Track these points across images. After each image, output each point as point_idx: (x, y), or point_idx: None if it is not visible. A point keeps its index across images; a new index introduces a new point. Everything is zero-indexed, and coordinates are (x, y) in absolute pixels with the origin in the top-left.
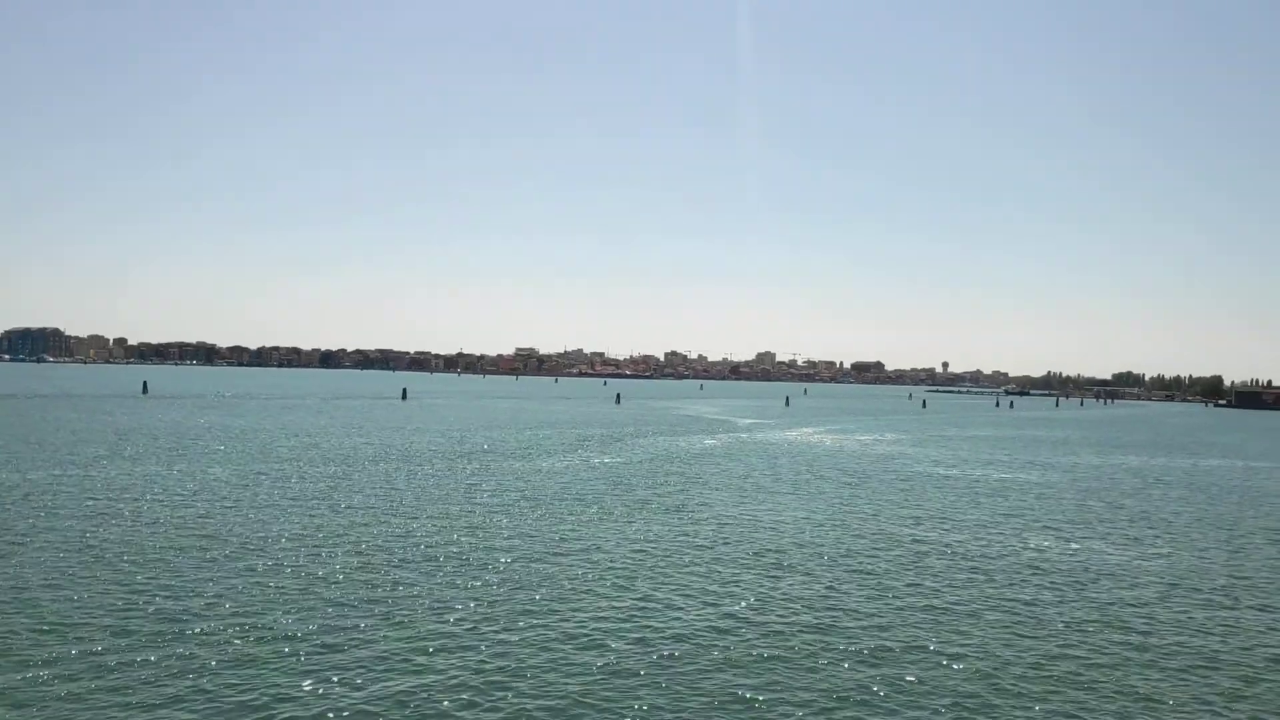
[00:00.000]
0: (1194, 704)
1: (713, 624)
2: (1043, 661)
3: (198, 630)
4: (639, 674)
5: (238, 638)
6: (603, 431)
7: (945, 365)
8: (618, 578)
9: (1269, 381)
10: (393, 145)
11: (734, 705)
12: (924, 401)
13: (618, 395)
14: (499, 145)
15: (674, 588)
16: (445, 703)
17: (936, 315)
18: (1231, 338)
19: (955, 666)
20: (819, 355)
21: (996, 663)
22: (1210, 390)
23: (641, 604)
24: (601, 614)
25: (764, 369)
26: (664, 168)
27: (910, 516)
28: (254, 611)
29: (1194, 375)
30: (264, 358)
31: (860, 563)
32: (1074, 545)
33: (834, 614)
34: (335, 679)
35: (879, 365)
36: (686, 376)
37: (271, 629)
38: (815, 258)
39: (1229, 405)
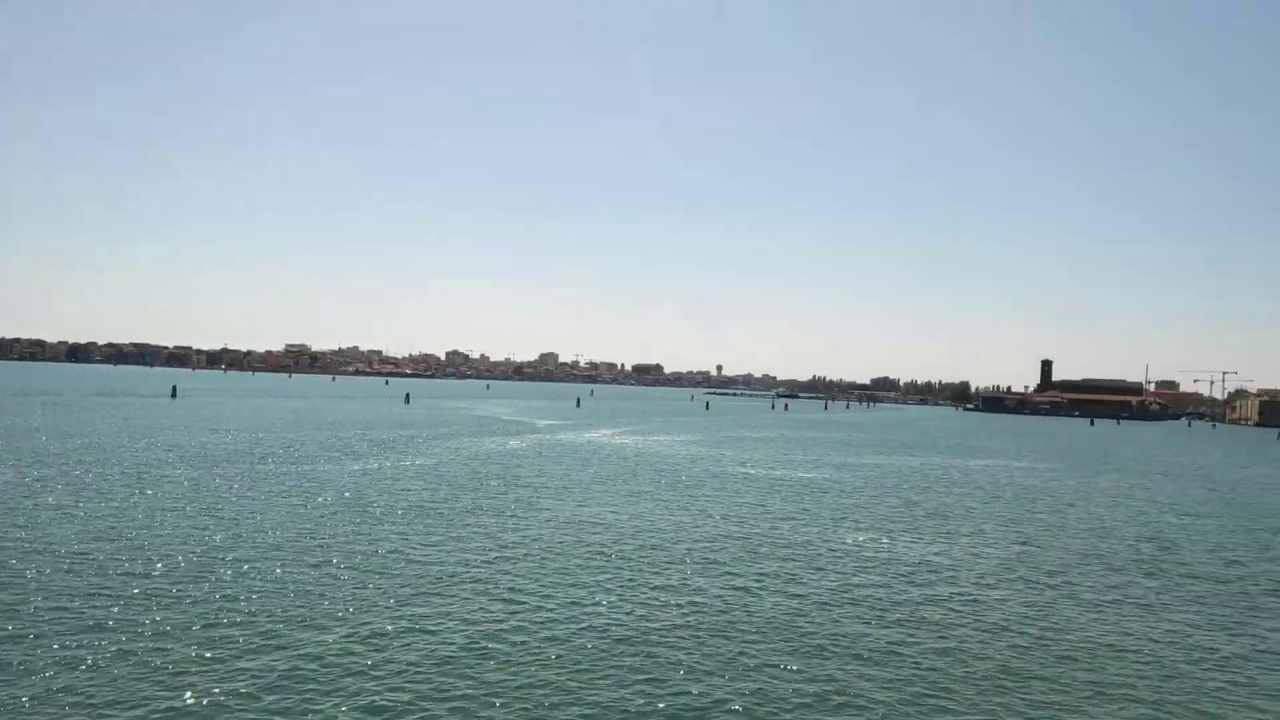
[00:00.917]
0: (1036, 680)
1: (577, 621)
2: (889, 645)
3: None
4: (507, 676)
5: (45, 656)
6: (405, 433)
7: (720, 368)
8: (476, 580)
9: (1009, 387)
10: (137, 126)
11: (602, 698)
12: (707, 403)
13: (407, 395)
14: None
15: (533, 590)
16: (279, 711)
17: (712, 319)
18: (976, 347)
19: (809, 650)
20: (600, 357)
21: (849, 646)
22: (959, 395)
23: (504, 606)
24: (467, 617)
25: (547, 369)
26: (451, 168)
27: (735, 514)
28: (53, 624)
29: (943, 381)
30: (2, 350)
31: (704, 557)
32: (885, 540)
33: (690, 607)
34: (157, 688)
35: (658, 367)
36: (469, 376)
37: (77, 642)
38: (597, 258)
39: (976, 409)
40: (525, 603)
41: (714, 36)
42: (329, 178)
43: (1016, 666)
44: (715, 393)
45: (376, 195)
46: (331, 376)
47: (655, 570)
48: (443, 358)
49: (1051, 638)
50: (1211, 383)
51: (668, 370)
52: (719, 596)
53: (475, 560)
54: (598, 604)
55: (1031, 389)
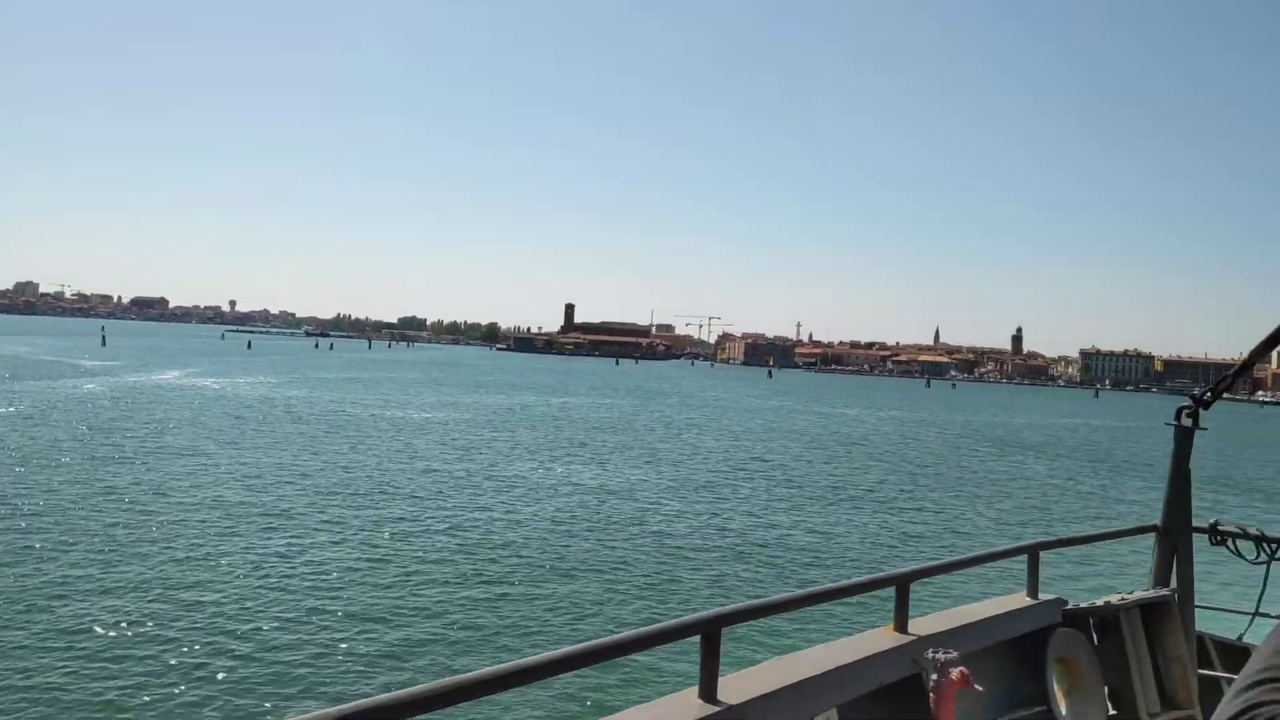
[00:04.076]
0: (744, 564)
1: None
2: (605, 556)
3: None
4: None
5: None
6: None
7: (233, 303)
8: (167, 540)
9: (531, 328)
10: None
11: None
12: (249, 343)
13: None
14: None
15: (226, 545)
16: None
17: (224, 250)
18: (502, 288)
19: (537, 566)
20: (90, 287)
21: (575, 562)
22: (489, 335)
23: (169, 568)
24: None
25: (26, 301)
26: None
27: (401, 454)
28: None
29: (470, 321)
30: None
31: (403, 495)
32: (560, 468)
33: (375, 555)
34: None
35: (163, 301)
36: None
37: None
38: (75, 170)
39: (508, 349)
40: (218, 559)
41: None
42: None
43: (696, 556)
44: (246, 331)
45: None
46: None
47: (373, 511)
48: None
49: (739, 533)
50: (700, 326)
51: (173, 304)
52: (393, 550)
53: (158, 518)
54: (323, 558)
55: (555, 330)
